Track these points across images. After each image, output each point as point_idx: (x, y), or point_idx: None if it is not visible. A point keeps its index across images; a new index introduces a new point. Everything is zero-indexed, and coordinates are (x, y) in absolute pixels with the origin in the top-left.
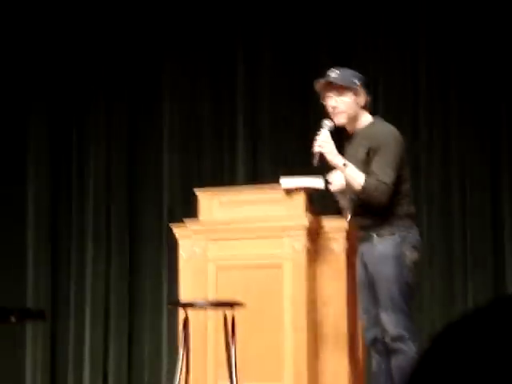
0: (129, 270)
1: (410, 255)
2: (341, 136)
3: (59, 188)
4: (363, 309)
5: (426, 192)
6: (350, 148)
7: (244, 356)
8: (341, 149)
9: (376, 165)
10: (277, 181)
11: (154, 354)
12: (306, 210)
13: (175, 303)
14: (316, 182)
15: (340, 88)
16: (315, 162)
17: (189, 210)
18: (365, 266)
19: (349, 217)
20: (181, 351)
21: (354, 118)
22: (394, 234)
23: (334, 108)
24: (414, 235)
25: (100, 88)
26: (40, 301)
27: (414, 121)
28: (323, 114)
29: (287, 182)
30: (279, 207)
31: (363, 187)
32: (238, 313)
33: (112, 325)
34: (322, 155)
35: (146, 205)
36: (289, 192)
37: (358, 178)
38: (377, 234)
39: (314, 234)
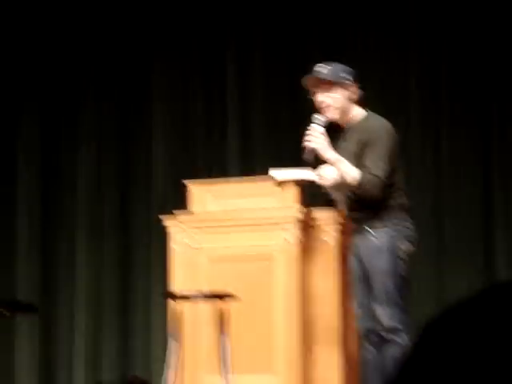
0: (121, 264)
1: (404, 248)
2: (333, 130)
3: (50, 187)
4: (358, 303)
5: (418, 190)
6: (342, 142)
7: (236, 348)
8: (333, 143)
9: (368, 158)
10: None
11: (146, 345)
12: (298, 201)
13: (171, 295)
14: (307, 174)
15: (329, 83)
16: (306, 156)
17: (180, 208)
18: (359, 260)
19: (346, 212)
20: (172, 343)
21: (345, 113)
22: (387, 227)
23: (323, 103)
24: (407, 227)
25: (91, 88)
26: (30, 293)
27: (406, 121)
28: (315, 113)
29: (277, 173)
30: (271, 199)
31: (356, 181)
32: (230, 304)
33: (104, 318)
34: (313, 150)
35: (136, 205)
36: (280, 184)
37: (351, 172)
38: (370, 227)
39: (306, 226)
